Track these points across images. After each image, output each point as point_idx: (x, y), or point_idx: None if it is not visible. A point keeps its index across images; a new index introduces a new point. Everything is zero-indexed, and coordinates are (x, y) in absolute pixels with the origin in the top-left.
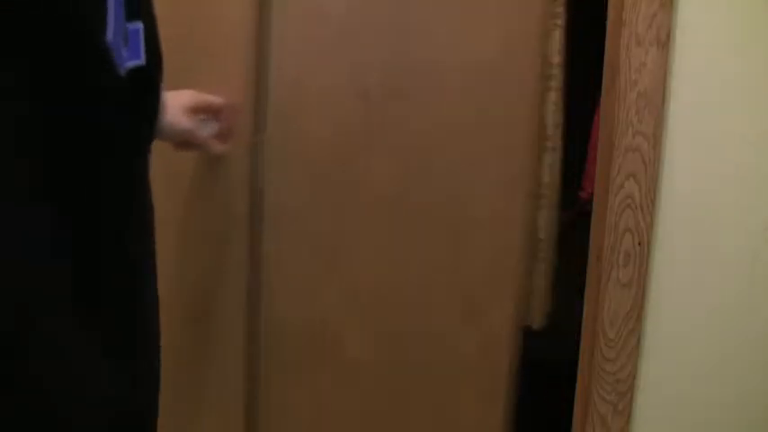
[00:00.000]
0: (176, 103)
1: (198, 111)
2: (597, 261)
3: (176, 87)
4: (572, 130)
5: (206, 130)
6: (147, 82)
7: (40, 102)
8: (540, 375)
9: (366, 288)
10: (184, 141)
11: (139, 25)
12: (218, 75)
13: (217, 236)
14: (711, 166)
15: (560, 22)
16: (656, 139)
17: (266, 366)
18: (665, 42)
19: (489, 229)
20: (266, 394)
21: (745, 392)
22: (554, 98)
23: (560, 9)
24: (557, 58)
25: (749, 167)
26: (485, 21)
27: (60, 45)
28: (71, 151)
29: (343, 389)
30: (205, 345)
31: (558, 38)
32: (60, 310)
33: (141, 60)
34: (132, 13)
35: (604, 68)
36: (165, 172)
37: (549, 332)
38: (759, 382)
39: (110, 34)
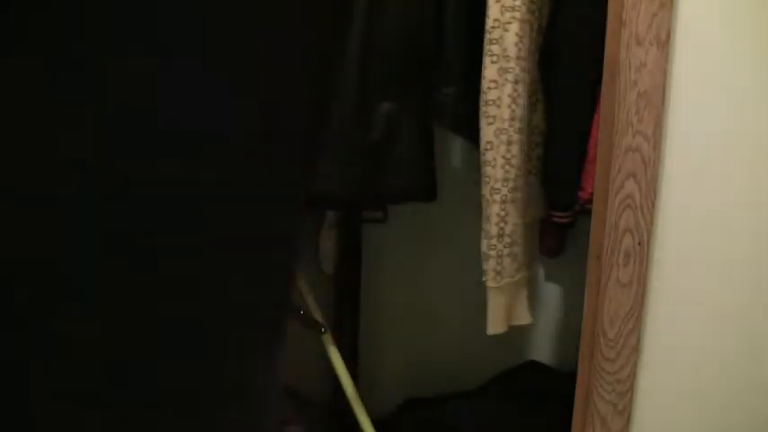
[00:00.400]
0: None
1: None
2: (597, 261)
3: None
4: (571, 127)
5: None
6: None
7: None
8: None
9: None
10: None
11: None
12: None
13: None
14: (711, 166)
15: (518, 15)
16: (656, 139)
17: None
18: (664, 42)
19: None
20: None
21: (745, 392)
22: (509, 91)
23: (518, 2)
24: (513, 51)
25: (749, 167)
26: None
27: None
28: None
29: None
30: None
31: (514, 31)
32: None
33: None
34: None
35: (604, 68)
36: None
37: None
38: (759, 381)
39: None
